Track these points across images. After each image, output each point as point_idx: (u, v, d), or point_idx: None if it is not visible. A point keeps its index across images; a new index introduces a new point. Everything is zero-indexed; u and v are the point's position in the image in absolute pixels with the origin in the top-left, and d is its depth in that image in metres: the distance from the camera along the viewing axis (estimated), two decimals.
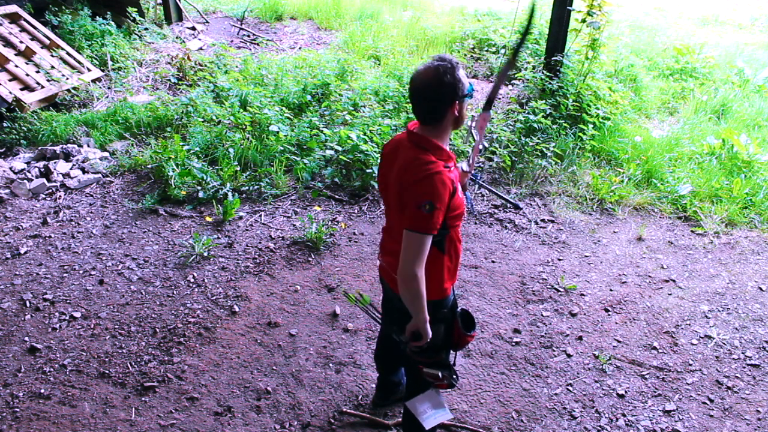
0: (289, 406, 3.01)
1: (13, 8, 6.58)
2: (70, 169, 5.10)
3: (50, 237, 4.28)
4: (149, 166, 5.05)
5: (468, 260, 4.17)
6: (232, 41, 8.27)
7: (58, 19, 7.18)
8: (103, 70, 6.70)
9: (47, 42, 6.57)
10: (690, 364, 3.36)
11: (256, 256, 4.13)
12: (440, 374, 2.28)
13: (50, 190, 4.85)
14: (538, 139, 5.27)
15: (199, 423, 2.91)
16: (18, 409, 2.93)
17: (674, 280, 4.06)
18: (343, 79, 6.35)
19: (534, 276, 4.05)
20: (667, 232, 4.62)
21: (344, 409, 2.99)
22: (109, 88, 6.51)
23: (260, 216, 4.61)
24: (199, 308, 3.63)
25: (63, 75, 6.21)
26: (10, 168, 5.02)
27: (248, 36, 8.54)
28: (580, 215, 4.78)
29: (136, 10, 7.78)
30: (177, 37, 7.99)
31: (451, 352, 2.40)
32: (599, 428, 2.96)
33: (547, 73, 5.88)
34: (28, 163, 5.17)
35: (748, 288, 4.00)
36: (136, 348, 3.33)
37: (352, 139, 4.95)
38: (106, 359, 3.25)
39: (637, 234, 4.55)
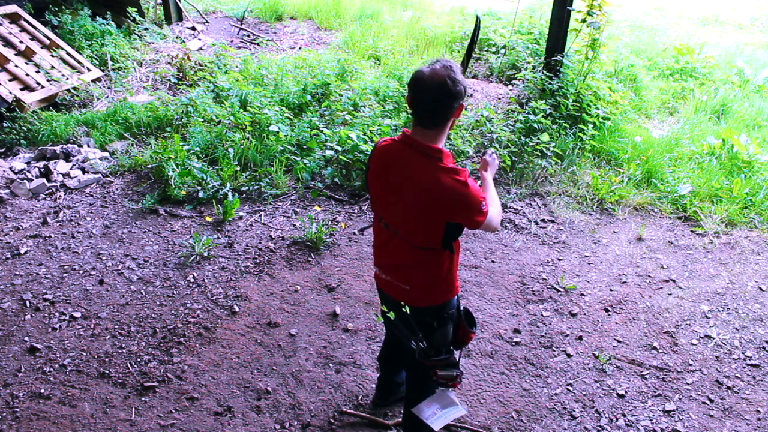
0: (289, 406, 3.01)
1: (13, 8, 6.58)
2: (70, 169, 5.10)
3: (50, 237, 4.28)
4: (149, 166, 5.05)
5: (468, 260, 4.17)
6: (232, 41, 8.27)
7: (58, 19, 7.19)
8: (103, 70, 6.70)
9: (47, 42, 6.57)
10: (690, 364, 3.36)
11: (256, 256, 4.13)
12: (455, 373, 2.32)
13: (50, 190, 4.85)
14: (538, 139, 5.27)
15: (199, 423, 2.91)
16: (18, 409, 2.94)
17: (674, 280, 4.06)
18: (343, 79, 6.35)
19: (534, 276, 4.05)
20: (667, 232, 4.62)
21: (344, 409, 2.99)
22: (109, 88, 6.51)
23: (260, 216, 4.61)
24: (199, 308, 3.63)
25: (63, 75, 6.21)
26: (10, 168, 5.02)
27: (248, 36, 8.54)
28: (580, 215, 4.78)
29: (136, 10, 7.78)
30: (177, 37, 7.99)
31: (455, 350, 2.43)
32: (599, 428, 2.96)
33: (547, 73, 5.88)
34: (28, 163, 5.17)
35: (748, 288, 4.00)
36: (136, 348, 3.33)
37: (352, 139, 4.95)
38: (106, 359, 3.25)
39: (637, 234, 4.55)
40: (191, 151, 5.04)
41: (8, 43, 6.21)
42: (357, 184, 4.95)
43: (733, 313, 3.76)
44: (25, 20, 6.62)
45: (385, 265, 2.35)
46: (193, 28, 8.45)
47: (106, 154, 5.37)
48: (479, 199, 2.07)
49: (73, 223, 4.46)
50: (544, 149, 5.17)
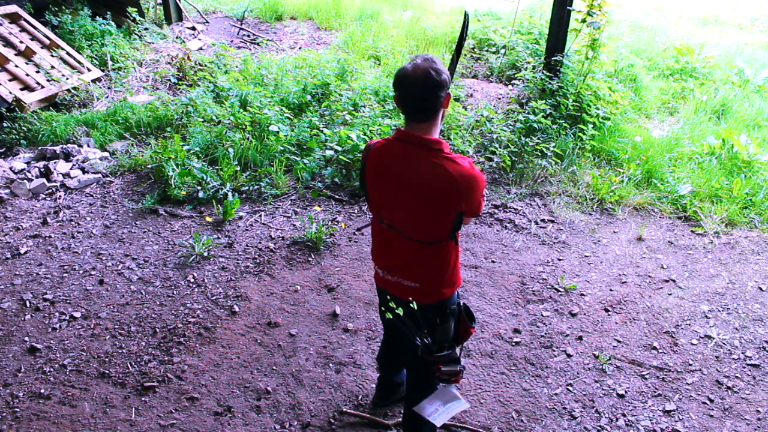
0: (289, 406, 3.01)
1: (13, 8, 6.58)
2: (70, 169, 5.10)
3: (50, 237, 4.28)
4: (149, 166, 5.05)
5: (468, 260, 4.17)
6: (232, 41, 8.27)
7: (58, 19, 7.18)
8: (103, 70, 6.70)
9: (47, 42, 6.57)
10: (690, 364, 3.36)
11: (256, 256, 4.13)
12: (458, 368, 2.32)
13: (50, 190, 4.85)
14: (538, 139, 5.27)
15: (199, 423, 2.91)
16: (18, 409, 2.94)
17: (674, 280, 4.06)
18: (343, 79, 6.34)
19: (534, 276, 4.05)
20: (667, 232, 4.62)
21: (344, 409, 2.99)
22: (109, 88, 6.51)
23: (260, 216, 4.61)
24: (199, 308, 3.63)
25: (63, 75, 6.21)
26: (10, 168, 5.02)
27: (248, 36, 8.53)
28: (580, 215, 4.78)
29: (136, 10, 7.77)
30: (177, 37, 7.99)
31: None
32: (599, 428, 2.96)
33: (547, 73, 5.88)
34: (28, 163, 5.17)
35: (748, 288, 4.00)
36: (136, 348, 3.33)
37: (352, 139, 4.95)
38: (106, 359, 3.25)
39: (637, 234, 4.55)
40: (191, 151, 5.04)
41: (8, 43, 6.21)
42: (357, 184, 4.95)
43: (733, 313, 3.76)
44: (25, 20, 6.62)
45: (390, 267, 2.33)
46: (193, 28, 8.45)
47: (106, 154, 5.37)
48: (483, 183, 2.15)
49: (73, 223, 4.46)
50: (544, 149, 5.18)
